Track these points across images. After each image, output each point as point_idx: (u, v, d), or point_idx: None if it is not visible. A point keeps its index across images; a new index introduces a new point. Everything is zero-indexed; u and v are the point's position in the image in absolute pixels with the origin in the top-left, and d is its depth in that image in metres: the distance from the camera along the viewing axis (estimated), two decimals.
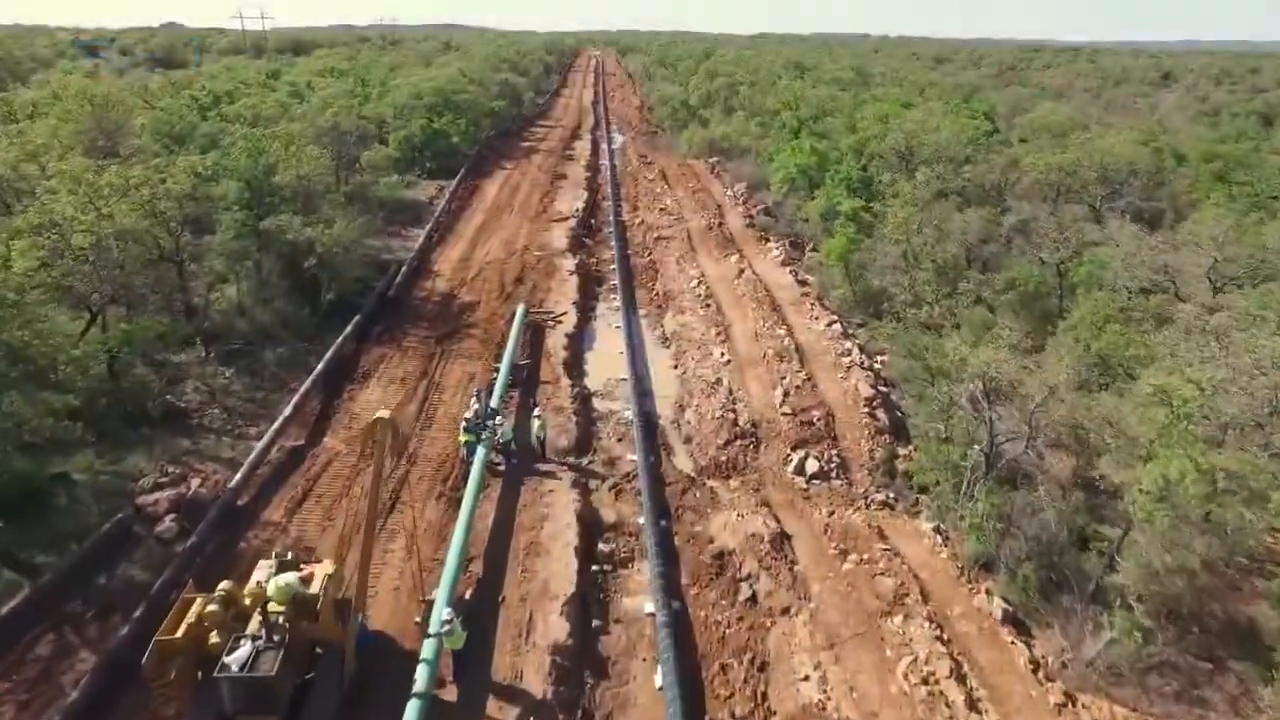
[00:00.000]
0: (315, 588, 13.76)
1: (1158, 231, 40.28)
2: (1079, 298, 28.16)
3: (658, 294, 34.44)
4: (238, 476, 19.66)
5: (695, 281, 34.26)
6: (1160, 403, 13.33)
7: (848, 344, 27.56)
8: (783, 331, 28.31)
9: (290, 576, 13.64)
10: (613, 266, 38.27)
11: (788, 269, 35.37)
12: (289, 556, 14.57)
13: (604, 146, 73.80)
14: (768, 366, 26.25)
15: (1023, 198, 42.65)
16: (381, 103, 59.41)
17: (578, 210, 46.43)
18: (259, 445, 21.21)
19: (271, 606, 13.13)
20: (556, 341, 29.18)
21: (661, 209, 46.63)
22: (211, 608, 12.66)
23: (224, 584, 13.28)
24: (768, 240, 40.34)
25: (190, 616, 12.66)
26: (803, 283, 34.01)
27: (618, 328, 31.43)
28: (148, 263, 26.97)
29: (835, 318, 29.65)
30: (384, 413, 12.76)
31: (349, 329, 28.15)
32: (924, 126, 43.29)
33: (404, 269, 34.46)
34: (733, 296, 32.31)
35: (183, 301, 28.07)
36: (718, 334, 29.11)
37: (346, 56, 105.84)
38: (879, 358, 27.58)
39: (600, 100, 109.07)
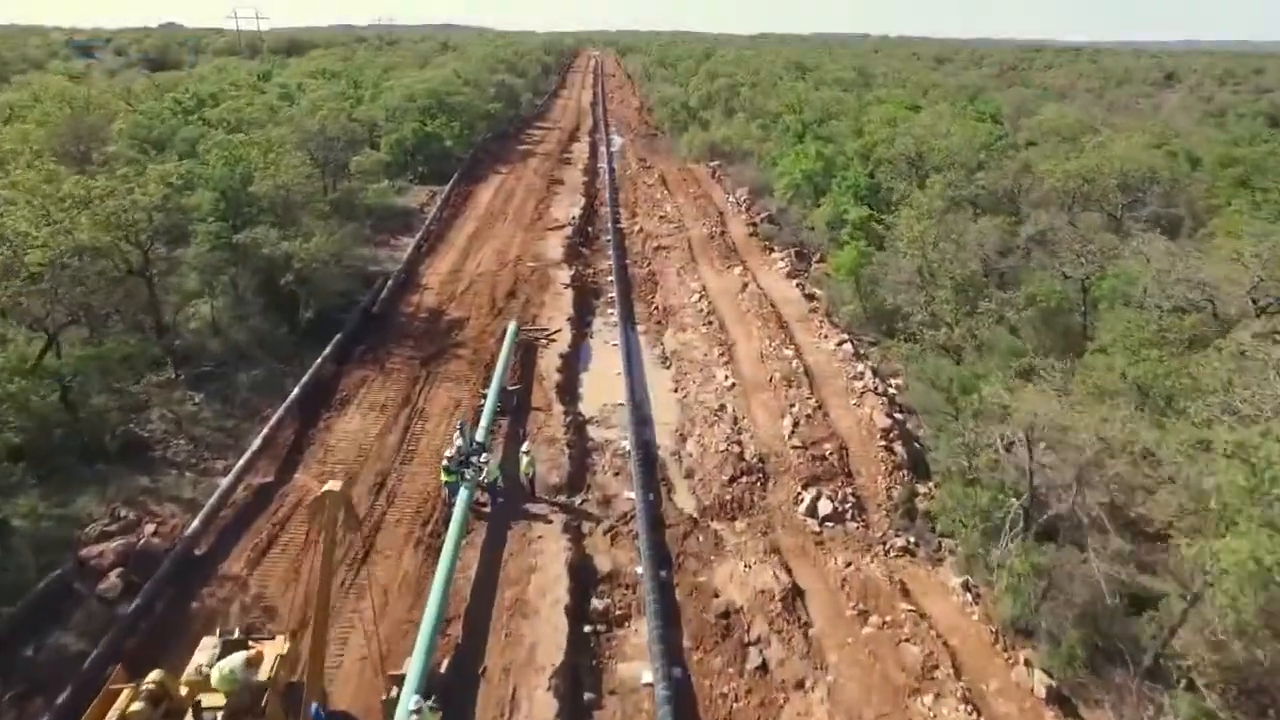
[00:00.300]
0: (265, 672, 11.94)
1: (1178, 239, 38.65)
2: (1102, 315, 26.40)
3: (657, 308, 32.58)
4: (196, 521, 17.82)
5: (697, 295, 32.40)
6: (1237, 459, 11.51)
7: (860, 366, 25.70)
8: (790, 352, 26.45)
9: (237, 660, 11.81)
10: (610, 278, 36.42)
11: (794, 282, 33.49)
12: (236, 634, 12.75)
13: (602, 149, 71.90)
14: (775, 392, 24.39)
15: (1037, 205, 40.87)
16: (374, 105, 57.54)
17: (574, 218, 44.56)
18: (223, 484, 19.38)
19: (209, 702, 11.31)
20: (549, 362, 27.33)
21: (661, 216, 44.78)
22: (137, 706, 10.83)
23: (155, 674, 11.45)
24: (772, 250, 38.48)
25: (112, 716, 10.82)
26: (810, 297, 32.15)
27: (615, 345, 29.58)
28: (114, 279, 25.23)
29: (846, 336, 27.79)
30: (334, 485, 10.90)
31: (328, 349, 26.29)
32: (933, 131, 41.43)
33: (390, 282, 32.60)
34: (736, 312, 30.45)
35: (153, 320, 26.22)
36: (721, 354, 27.26)
37: (341, 57, 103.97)
38: (893, 381, 25.74)
39: (599, 101, 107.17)
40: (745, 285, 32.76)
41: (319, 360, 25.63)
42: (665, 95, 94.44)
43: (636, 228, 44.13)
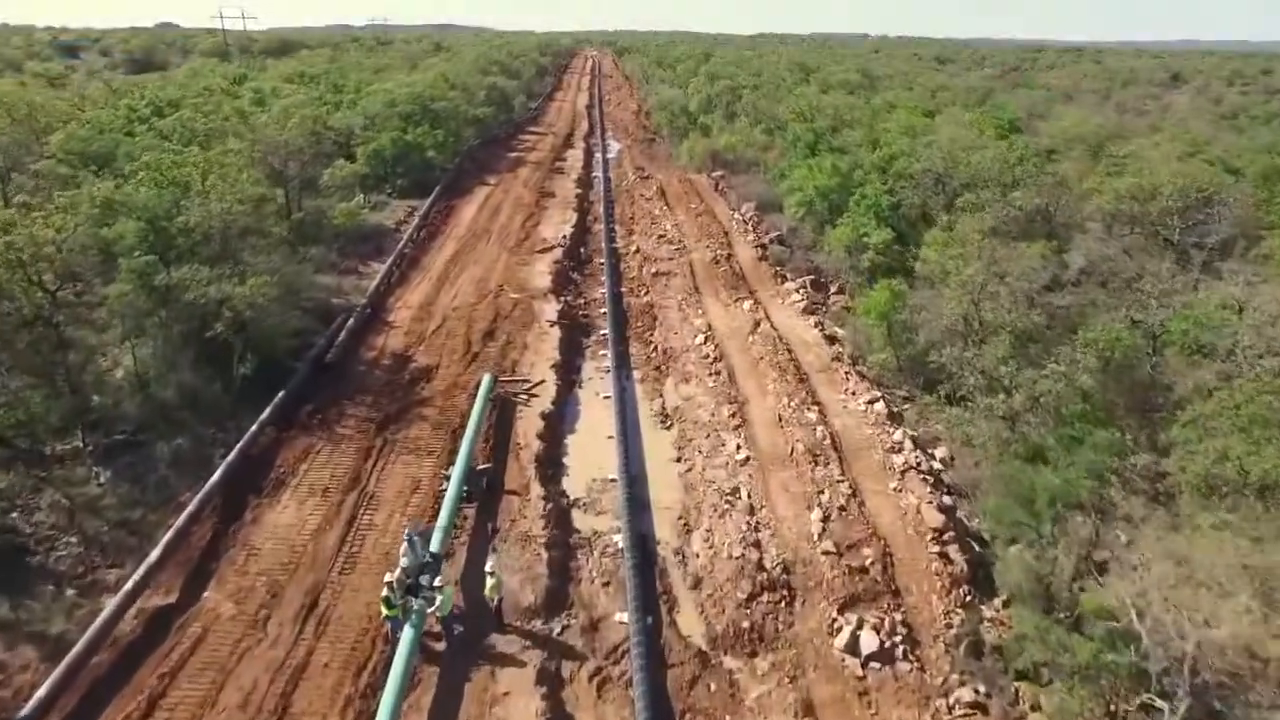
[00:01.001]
0: None
1: (1229, 259, 34.40)
2: (1173, 363, 22.13)
3: (656, 351, 28.24)
4: (53, 677, 13.52)
5: (701, 336, 28.06)
6: None
7: (897, 434, 21.39)
8: (814, 416, 22.13)
9: None
10: (603, 310, 32.10)
11: (812, 320, 29.17)
12: None
13: (597, 155, 67.50)
14: (798, 470, 20.08)
15: (1076, 226, 36.61)
16: (352, 111, 53.08)
17: (564, 237, 40.19)
18: (105, 611, 15.06)
19: None
20: (529, 424, 23.00)
21: (660, 235, 40.40)
22: None
23: None
24: (784, 278, 34.13)
25: None
26: (831, 338, 27.82)
27: (607, 398, 25.25)
28: (17, 325, 21.11)
29: (878, 395, 23.45)
30: None
31: (267, 413, 21.95)
32: (960, 143, 37.10)
33: (350, 322, 28.23)
34: (748, 359, 26.11)
35: (64, 376, 21.89)
36: (731, 414, 22.93)
37: (329, 58, 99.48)
38: (937, 453, 21.44)
39: (596, 104, 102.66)
40: (757, 324, 28.42)
41: (256, 426, 21.33)
42: (664, 98, 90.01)
43: (633, 248, 39.76)
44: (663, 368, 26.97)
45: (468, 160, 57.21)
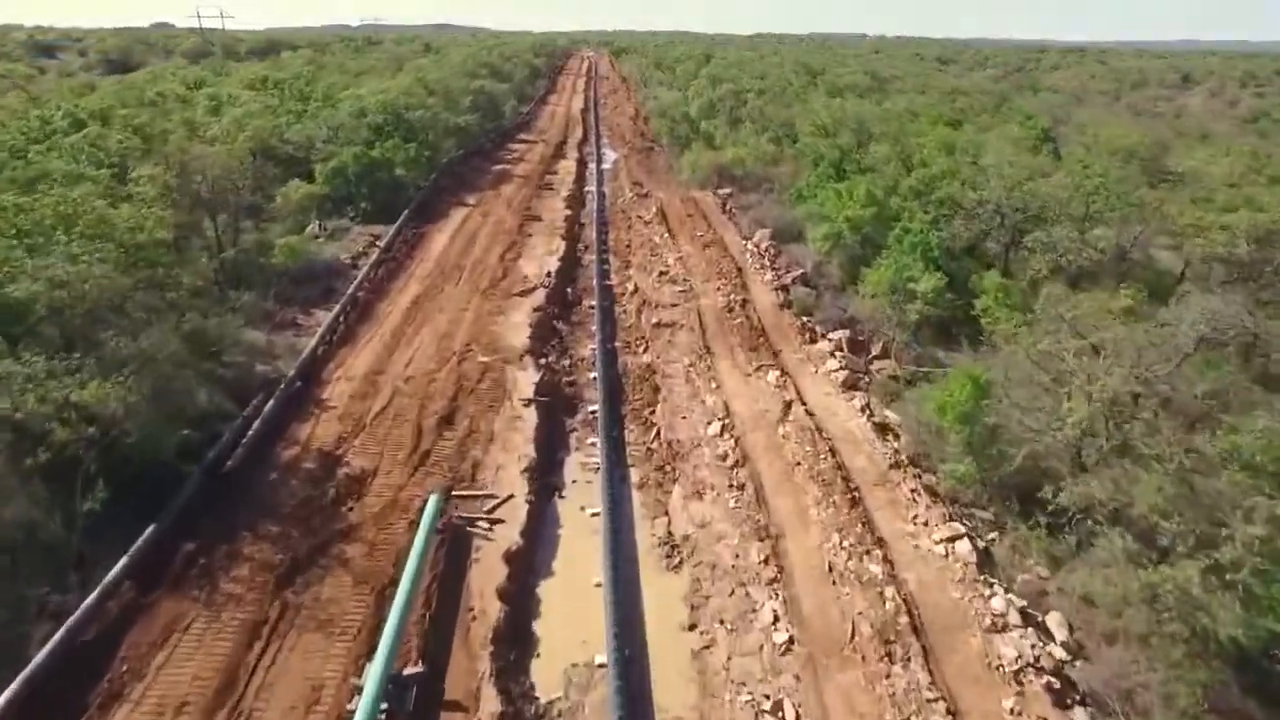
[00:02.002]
0: None
1: None
2: None
3: (658, 441, 21.84)
4: None
5: (717, 423, 21.65)
6: None
7: (996, 601, 15.05)
8: (878, 568, 15.77)
9: None
10: (593, 375, 25.76)
11: (855, 399, 22.74)
12: None
13: (591, 167, 61.09)
14: (865, 669, 13.73)
15: (1161, 271, 30.36)
16: (312, 122, 46.50)
17: (549, 274, 33.72)
18: None
19: None
20: (488, 574, 16.61)
21: (662, 271, 33.93)
22: None
23: None
24: (813, 333, 27.71)
25: None
26: (883, 428, 21.41)
27: (595, 515, 18.93)
28: None
29: (959, 527, 17.07)
30: None
31: (123, 563, 15.59)
32: (1024, 168, 30.75)
33: (270, 404, 21.81)
34: (780, 464, 19.71)
35: None
36: (763, 557, 16.56)
37: (308, 60, 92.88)
38: (1050, 622, 15.09)
39: (591, 108, 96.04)
40: (787, 406, 22.00)
41: (96, 594, 14.97)
42: (663, 103, 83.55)
43: (630, 287, 33.32)
44: (668, 468, 20.58)
45: (446, 176, 50.64)
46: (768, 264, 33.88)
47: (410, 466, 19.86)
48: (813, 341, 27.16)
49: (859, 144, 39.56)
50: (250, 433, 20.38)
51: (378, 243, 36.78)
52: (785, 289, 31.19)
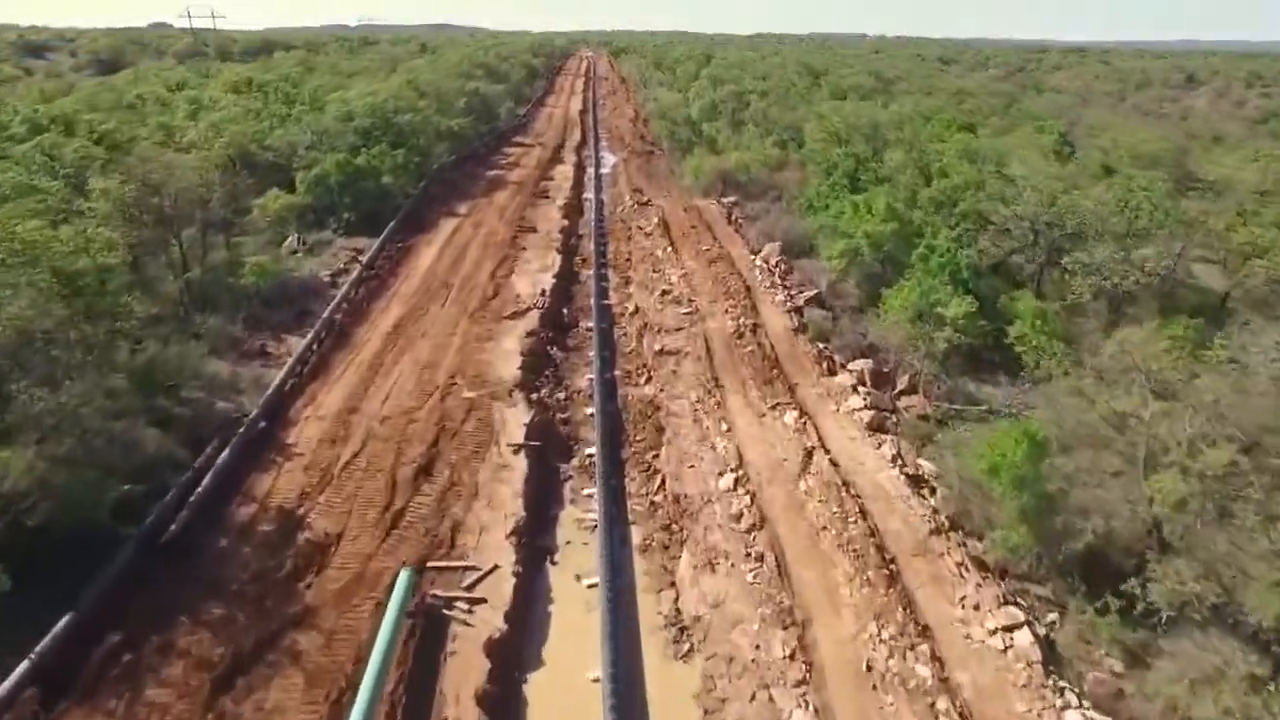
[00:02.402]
0: None
1: None
2: None
3: (663, 494, 19.26)
4: None
5: (729, 475, 19.07)
6: None
7: (1070, 715, 12.49)
8: (927, 671, 13.21)
9: None
10: (589, 411, 23.19)
11: (883, 444, 20.16)
12: None
13: (590, 172, 58.50)
14: None
15: (1201, 289, 27.89)
16: (294, 128, 43.83)
17: (544, 293, 31.10)
18: None
19: None
20: (466, 669, 14.03)
21: (665, 290, 31.32)
22: None
23: None
24: (832, 362, 25.13)
25: None
26: (917, 481, 18.83)
27: (591, 586, 16.38)
28: None
29: (1018, 612, 14.48)
30: None
31: (23, 669, 13.01)
32: (1056, 179, 28.21)
33: (226, 452, 19.22)
34: (804, 529, 17.12)
35: None
36: (788, 652, 13.99)
37: (299, 60, 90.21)
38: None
39: (590, 109, 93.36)
40: (808, 454, 19.41)
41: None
42: (663, 104, 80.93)
43: (630, 307, 30.77)
44: (674, 527, 18.02)
45: (436, 183, 47.98)
46: (779, 282, 31.27)
47: (381, 530, 17.26)
48: (831, 373, 24.57)
49: (874, 151, 36.90)
50: (200, 488, 17.79)
51: (360, 258, 34.16)
52: (799, 311, 28.59)
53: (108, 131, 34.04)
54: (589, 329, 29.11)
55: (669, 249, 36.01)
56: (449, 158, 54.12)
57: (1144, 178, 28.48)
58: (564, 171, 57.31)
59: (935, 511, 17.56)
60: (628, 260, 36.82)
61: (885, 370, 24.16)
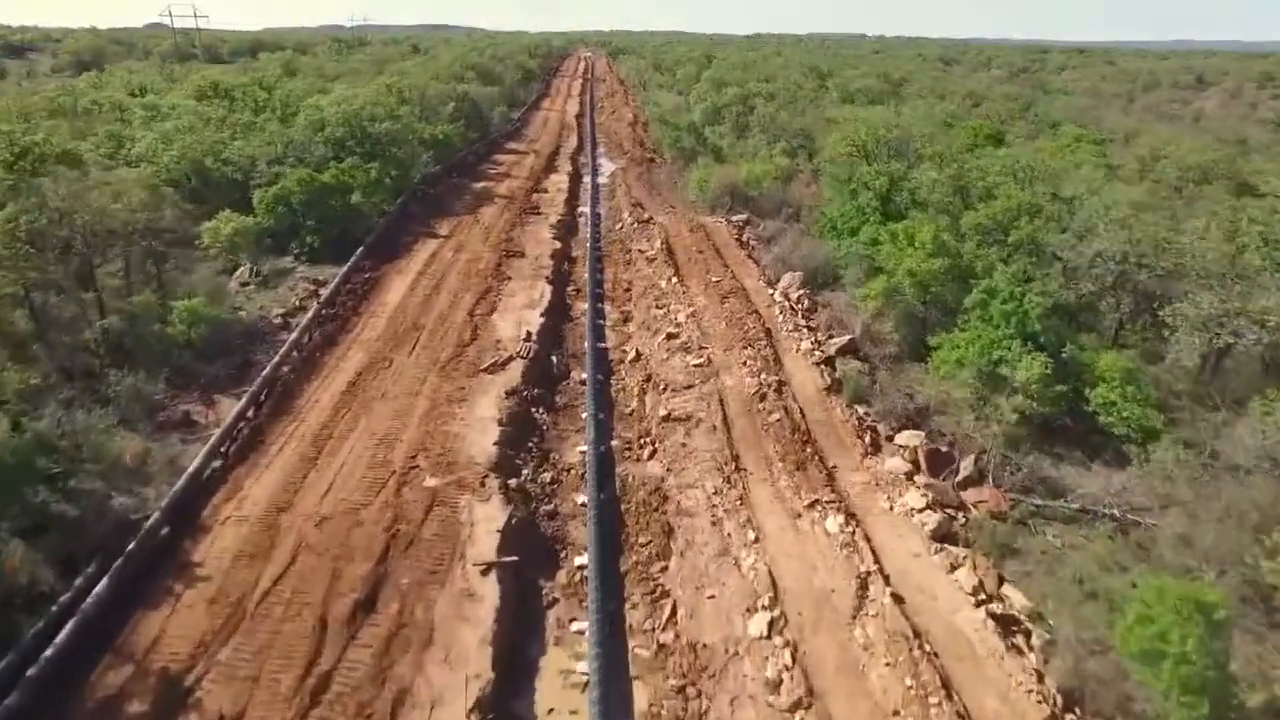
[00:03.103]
0: None
1: None
2: None
3: (674, 635, 14.60)
4: None
5: (760, 615, 14.38)
6: None
7: None
8: None
9: None
10: (581, 500, 18.60)
11: (956, 566, 15.50)
12: None
13: (586, 180, 53.96)
14: None
15: None
16: (259, 136, 39.06)
17: (530, 336, 26.44)
18: None
19: None
20: None
21: (671, 333, 26.63)
22: None
23: None
24: (875, 434, 20.50)
25: None
26: (1006, 623, 14.20)
27: None
28: None
29: None
30: None
31: None
32: (1135, 207, 23.61)
33: (100, 585, 14.56)
34: (869, 713, 12.48)
35: None
36: None
37: (284, 62, 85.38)
38: None
39: (587, 113, 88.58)
40: (862, 583, 14.76)
41: None
42: (664, 108, 76.21)
43: (631, 352, 26.16)
44: (691, 691, 13.37)
45: (416, 199, 43.26)
46: (802, 323, 26.60)
47: (296, 709, 12.61)
48: (875, 448, 19.94)
49: (908, 167, 32.11)
50: (55, 645, 13.14)
51: (321, 291, 29.48)
52: (829, 362, 23.91)
53: (32, 144, 29.32)
54: (582, 381, 24.48)
55: (674, 278, 31.33)
56: (433, 168, 49.36)
57: (1256, 208, 23.80)
58: (558, 182, 52.63)
59: (1038, 675, 12.95)
60: (627, 291, 32.19)
61: (942, 449, 19.49)
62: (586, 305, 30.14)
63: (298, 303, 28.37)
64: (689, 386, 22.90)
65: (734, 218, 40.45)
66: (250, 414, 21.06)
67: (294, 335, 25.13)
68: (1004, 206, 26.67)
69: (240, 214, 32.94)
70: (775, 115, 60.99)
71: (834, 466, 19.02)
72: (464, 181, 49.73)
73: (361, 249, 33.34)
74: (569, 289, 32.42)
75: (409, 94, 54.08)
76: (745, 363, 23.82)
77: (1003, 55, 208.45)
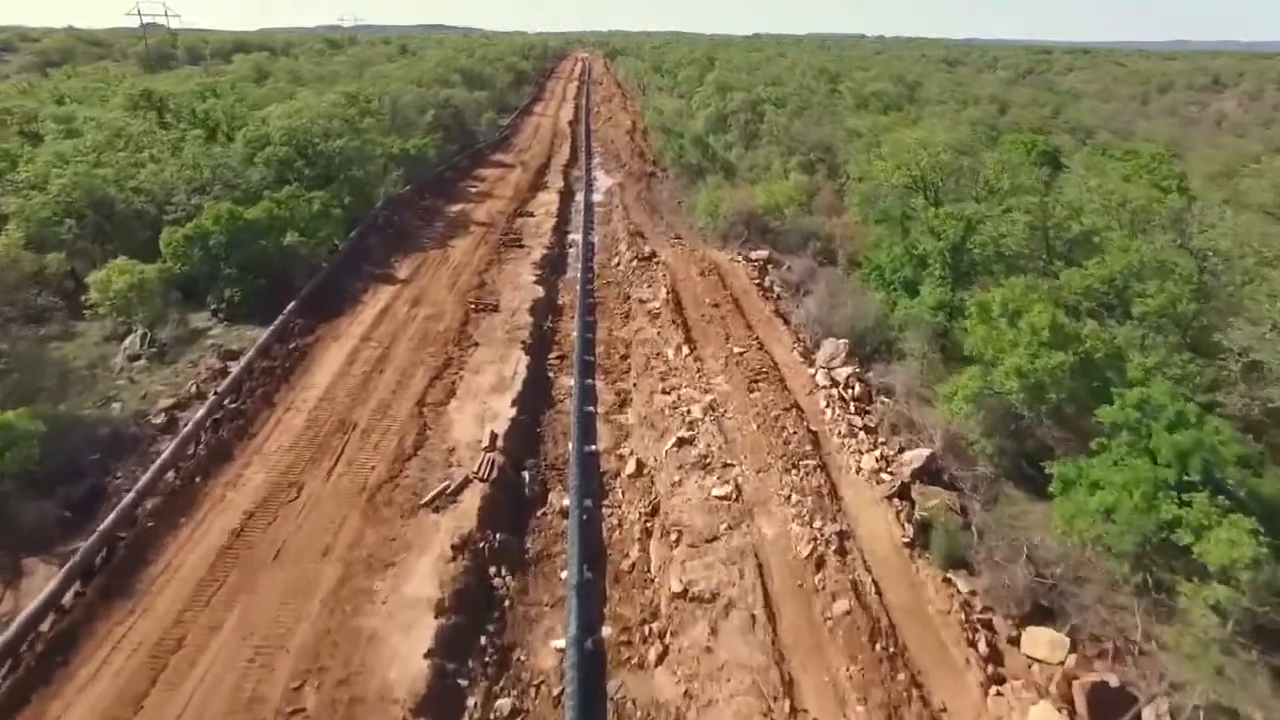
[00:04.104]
0: None
1: None
2: None
3: None
4: None
5: None
6: None
7: None
8: None
9: None
10: None
11: None
12: None
13: (579, 199, 47.01)
14: None
15: None
16: (177, 160, 31.89)
17: (492, 443, 19.39)
18: None
19: None
20: None
21: (684, 439, 19.51)
22: None
23: None
24: (989, 631, 13.57)
25: None
26: None
27: None
28: None
29: None
30: None
31: None
32: None
33: None
34: None
35: None
36: None
37: (255, 65, 78.15)
38: None
39: (582, 119, 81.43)
40: None
41: None
42: (666, 115, 69.16)
43: (629, 464, 19.16)
44: None
45: (376, 230, 36.14)
46: (858, 422, 19.59)
47: None
48: (996, 659, 13.02)
49: (977, 199, 24.92)
50: None
51: (231, 367, 22.45)
52: (904, 492, 16.92)
53: None
54: (562, 511, 17.55)
55: (684, 346, 24.29)
56: (402, 188, 42.27)
57: None
58: (546, 203, 45.59)
59: None
60: (624, 358, 25.20)
61: (1106, 677, 12.51)
62: (572, 382, 23.15)
63: (195, 388, 21.30)
64: (712, 539, 15.90)
65: (752, 254, 33.44)
66: (68, 599, 14.06)
67: (172, 447, 18.06)
68: (1125, 263, 19.71)
69: (144, 260, 25.96)
70: (788, 125, 54.05)
71: (942, 711, 12.07)
72: (438, 204, 42.62)
73: (294, 304, 26.25)
74: (551, 357, 25.38)
75: (376, 103, 46.85)
76: (789, 496, 16.81)
77: (1007, 56, 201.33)
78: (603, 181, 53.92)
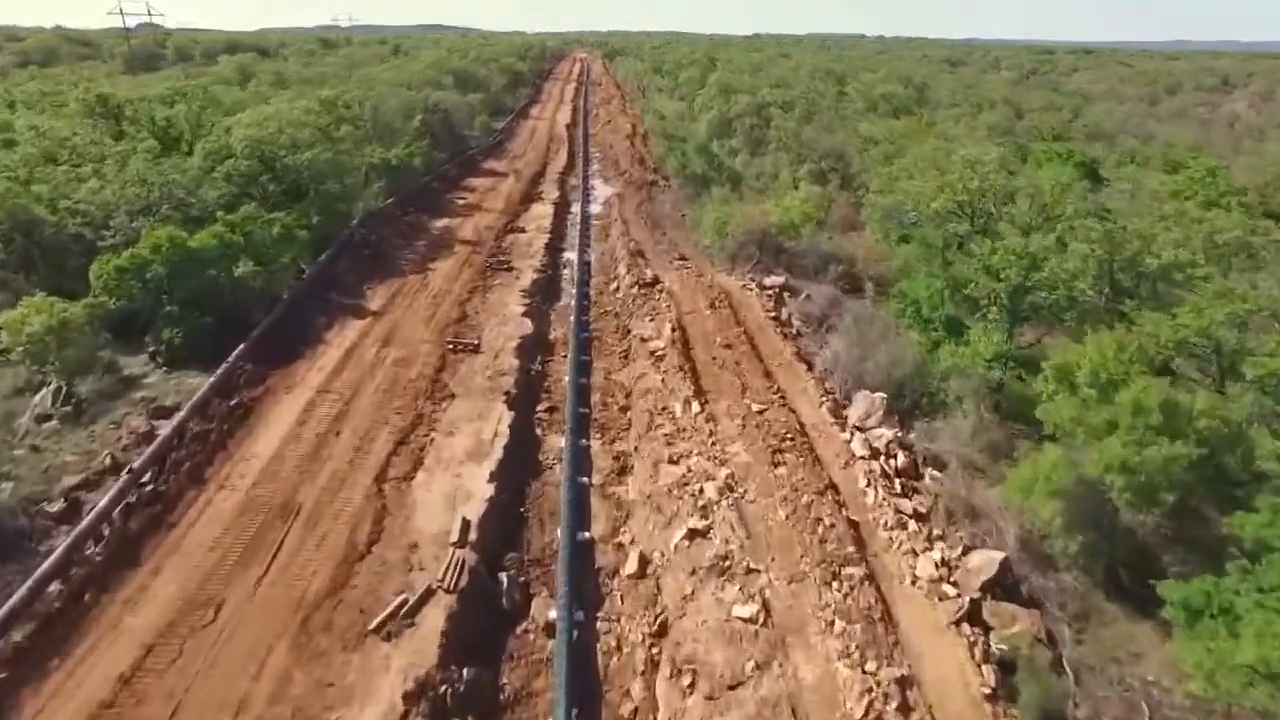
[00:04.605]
0: None
1: None
2: None
3: None
4: None
5: None
6: None
7: None
8: None
9: None
10: None
11: None
12: None
13: (575, 211, 43.46)
14: None
15: None
16: (119, 177, 28.21)
17: (464, 534, 15.79)
18: None
19: None
20: None
21: (695, 530, 15.93)
22: None
23: None
24: None
25: None
26: None
27: None
28: None
29: None
30: None
31: None
32: None
33: None
34: None
35: None
36: None
37: (238, 67, 74.42)
38: None
39: (580, 123, 77.72)
40: None
41: None
42: (666, 119, 65.58)
43: (629, 557, 15.60)
44: None
45: (349, 251, 32.47)
46: (909, 512, 15.98)
47: None
48: None
49: (1028, 229, 21.27)
50: None
51: (161, 428, 18.81)
52: (976, 618, 13.31)
53: None
54: (548, 627, 13.97)
55: (693, 400, 20.66)
56: (383, 202, 38.61)
57: None
58: (539, 217, 41.98)
59: None
60: (624, 409, 21.59)
61: None
62: (563, 443, 19.54)
63: (110, 459, 17.68)
64: (735, 685, 12.29)
65: (766, 280, 29.83)
66: None
67: (60, 549, 14.42)
68: (1230, 310, 16.11)
69: (77, 293, 22.38)
70: (797, 130, 50.48)
71: None
72: (421, 219, 38.95)
73: (242, 347, 22.59)
74: (539, 409, 21.75)
75: (356, 109, 43.17)
76: (832, 621, 13.20)
77: (1008, 56, 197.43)
78: (601, 191, 50.30)
